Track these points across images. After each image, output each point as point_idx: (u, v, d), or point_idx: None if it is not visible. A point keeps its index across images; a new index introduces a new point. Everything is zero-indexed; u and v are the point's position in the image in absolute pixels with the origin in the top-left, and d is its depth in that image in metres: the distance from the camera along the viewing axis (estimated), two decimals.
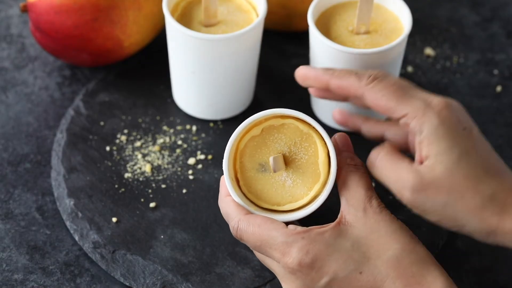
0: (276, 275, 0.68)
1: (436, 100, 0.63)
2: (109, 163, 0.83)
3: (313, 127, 0.69)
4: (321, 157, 0.68)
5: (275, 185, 0.69)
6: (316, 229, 0.65)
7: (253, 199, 0.69)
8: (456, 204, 0.62)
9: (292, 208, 0.68)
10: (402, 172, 0.63)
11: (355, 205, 0.66)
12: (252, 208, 0.69)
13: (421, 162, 0.63)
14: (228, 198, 0.69)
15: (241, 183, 0.69)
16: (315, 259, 0.64)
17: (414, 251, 0.65)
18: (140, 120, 0.88)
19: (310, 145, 0.69)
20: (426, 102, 0.63)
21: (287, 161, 0.69)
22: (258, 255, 0.70)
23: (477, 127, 0.65)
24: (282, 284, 0.67)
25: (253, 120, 0.69)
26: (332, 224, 0.66)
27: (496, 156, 0.64)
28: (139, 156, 0.84)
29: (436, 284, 0.63)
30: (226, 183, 0.69)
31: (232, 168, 0.69)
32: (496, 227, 0.62)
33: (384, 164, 0.64)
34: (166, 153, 0.85)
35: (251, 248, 0.68)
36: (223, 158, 0.69)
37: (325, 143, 0.68)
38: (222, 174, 0.83)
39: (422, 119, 0.62)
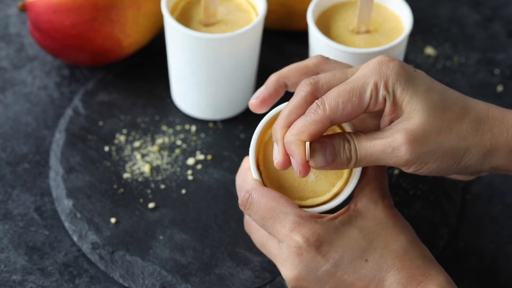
0: (276, 261, 0.67)
1: (377, 59, 0.64)
2: (108, 163, 0.83)
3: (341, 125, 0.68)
4: None
5: (298, 179, 0.68)
6: (327, 216, 0.66)
7: None
8: (450, 138, 0.62)
9: (314, 204, 0.68)
10: (386, 138, 0.62)
11: (368, 196, 0.66)
12: None
13: (391, 121, 0.63)
14: (248, 171, 0.68)
15: (263, 175, 0.68)
16: (323, 243, 0.64)
17: (419, 247, 0.66)
18: (139, 120, 0.87)
19: None
20: (377, 62, 0.64)
21: None
22: (258, 236, 0.68)
23: None
24: (283, 269, 0.66)
25: (277, 112, 0.68)
26: (342, 210, 0.66)
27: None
28: (138, 156, 0.84)
29: (438, 278, 0.64)
30: (251, 170, 0.68)
31: (255, 161, 0.69)
32: (490, 145, 0.63)
33: (365, 144, 0.64)
34: (165, 153, 0.84)
35: (256, 221, 0.67)
36: (249, 149, 0.68)
37: None
38: (222, 174, 0.83)
39: (380, 81, 0.63)
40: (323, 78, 0.65)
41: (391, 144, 0.62)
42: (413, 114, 0.62)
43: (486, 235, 0.80)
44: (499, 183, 0.84)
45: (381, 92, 0.62)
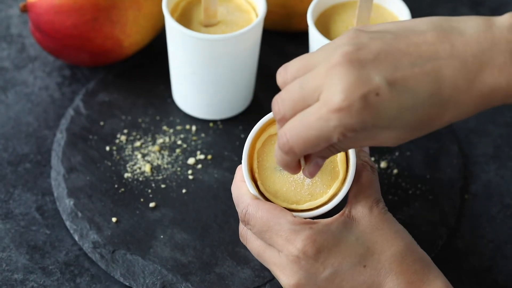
0: (276, 269, 0.67)
1: (336, 101, 0.57)
2: (109, 163, 0.83)
3: None
4: (340, 155, 0.68)
5: (294, 184, 0.69)
6: (322, 221, 0.66)
7: (271, 198, 0.68)
8: (430, 129, 0.59)
9: (312, 207, 0.68)
10: (372, 140, 0.60)
11: (362, 203, 0.66)
12: None
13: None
14: (242, 183, 0.69)
15: (259, 182, 0.69)
16: (321, 250, 0.64)
17: (416, 251, 0.65)
18: (140, 120, 0.88)
19: None
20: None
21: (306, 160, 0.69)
22: (255, 246, 0.68)
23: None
24: (282, 276, 0.66)
25: (270, 119, 0.69)
26: (337, 216, 0.66)
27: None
28: (139, 156, 0.84)
29: (436, 283, 0.64)
30: (245, 180, 0.68)
31: (250, 168, 0.69)
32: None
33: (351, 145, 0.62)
34: (165, 153, 0.85)
35: (256, 235, 0.67)
36: (241, 157, 0.68)
37: None
38: (222, 174, 0.83)
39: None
40: (288, 113, 0.60)
41: (379, 145, 0.61)
42: (393, 125, 0.59)
43: (485, 234, 0.80)
44: (497, 183, 0.85)
45: (349, 134, 0.58)
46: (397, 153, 0.86)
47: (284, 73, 0.62)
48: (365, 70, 0.57)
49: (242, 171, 0.69)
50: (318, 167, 0.65)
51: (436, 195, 0.82)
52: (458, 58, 0.57)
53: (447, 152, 0.86)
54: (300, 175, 0.69)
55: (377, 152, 0.86)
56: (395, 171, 0.84)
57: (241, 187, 0.69)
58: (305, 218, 0.67)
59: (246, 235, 0.69)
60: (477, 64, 0.57)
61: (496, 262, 0.78)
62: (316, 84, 0.58)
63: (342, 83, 0.57)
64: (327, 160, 0.68)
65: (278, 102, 0.61)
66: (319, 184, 0.68)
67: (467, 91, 0.58)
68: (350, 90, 0.56)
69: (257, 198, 0.67)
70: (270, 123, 0.69)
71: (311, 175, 0.65)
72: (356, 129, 0.57)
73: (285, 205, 0.68)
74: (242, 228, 0.70)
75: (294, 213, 0.67)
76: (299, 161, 0.64)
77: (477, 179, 0.85)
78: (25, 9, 0.87)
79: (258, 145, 0.69)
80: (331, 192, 0.68)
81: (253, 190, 0.68)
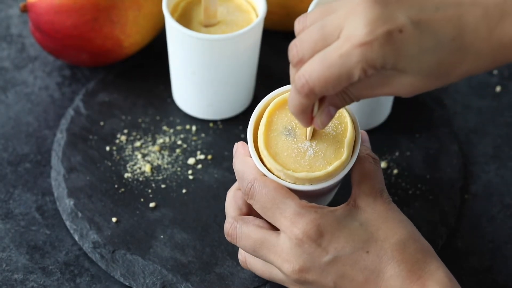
0: (277, 258, 0.66)
1: (358, 38, 0.58)
2: (109, 163, 0.83)
3: (347, 109, 0.69)
4: (348, 137, 0.68)
5: (296, 151, 0.68)
6: (328, 207, 0.66)
7: (269, 160, 0.68)
8: (449, 80, 0.60)
9: (307, 177, 0.67)
10: (386, 87, 0.60)
11: (366, 192, 0.67)
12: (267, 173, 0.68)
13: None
14: (247, 158, 0.68)
15: (262, 139, 0.68)
16: (324, 233, 0.64)
17: (419, 241, 0.66)
18: (140, 120, 0.88)
19: (340, 124, 0.69)
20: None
21: (315, 132, 0.68)
22: (253, 242, 0.67)
23: None
24: (285, 264, 0.65)
25: (275, 94, 0.69)
26: (342, 205, 0.66)
27: None
28: (139, 156, 0.84)
29: (437, 273, 0.64)
30: (248, 144, 0.68)
31: (255, 130, 0.69)
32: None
33: (365, 93, 0.62)
34: (166, 153, 0.85)
35: (257, 210, 0.67)
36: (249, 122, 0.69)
37: (354, 128, 0.69)
38: (222, 174, 0.83)
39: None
40: (307, 54, 0.60)
41: (394, 93, 0.61)
42: (412, 69, 0.59)
43: (485, 234, 0.80)
44: (497, 183, 0.85)
45: (370, 72, 0.58)
46: (397, 153, 0.86)
47: (303, 20, 0.61)
48: (389, 8, 0.58)
49: (243, 146, 0.69)
50: (330, 116, 0.64)
51: (436, 195, 0.82)
52: (481, 5, 0.58)
53: (447, 152, 0.86)
54: (305, 145, 0.68)
55: (377, 152, 0.86)
56: (395, 171, 0.84)
57: (247, 161, 0.68)
58: (293, 190, 0.67)
59: (236, 233, 0.69)
60: (498, 13, 0.58)
61: (496, 262, 0.78)
62: (337, 23, 0.59)
63: (366, 18, 0.57)
64: (334, 139, 0.68)
65: (297, 44, 0.61)
66: (321, 158, 0.68)
67: (488, 39, 0.58)
68: (374, 24, 0.57)
69: (264, 175, 0.67)
70: (276, 97, 0.70)
71: (323, 124, 0.64)
72: (377, 65, 0.57)
73: (280, 169, 0.67)
74: (229, 226, 0.69)
75: (283, 182, 0.67)
76: (311, 114, 0.63)
77: (477, 179, 0.85)
78: (25, 9, 0.87)
79: (271, 107, 0.69)
80: (330, 169, 0.67)
81: (260, 166, 0.67)
